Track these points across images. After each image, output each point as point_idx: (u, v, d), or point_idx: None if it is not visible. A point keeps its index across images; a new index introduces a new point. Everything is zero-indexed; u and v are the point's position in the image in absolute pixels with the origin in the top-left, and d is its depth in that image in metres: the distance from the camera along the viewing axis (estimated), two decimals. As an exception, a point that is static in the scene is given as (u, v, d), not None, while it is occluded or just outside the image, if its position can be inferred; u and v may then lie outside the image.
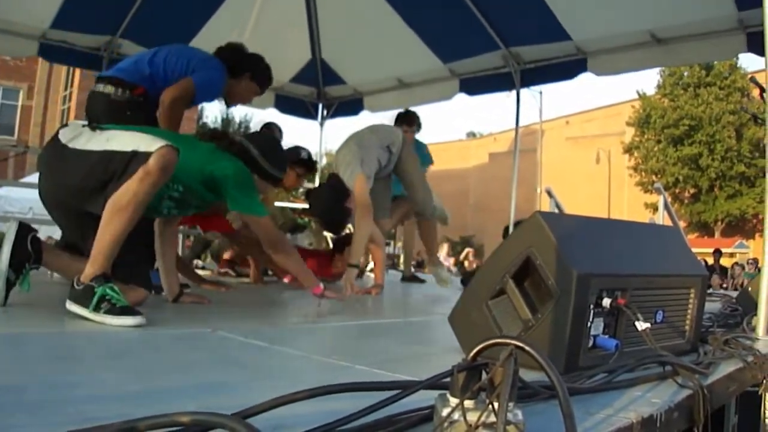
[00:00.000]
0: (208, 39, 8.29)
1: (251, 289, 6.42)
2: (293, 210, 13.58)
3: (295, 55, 11.01)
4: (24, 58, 31.19)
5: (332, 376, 1.98)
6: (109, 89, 4.98)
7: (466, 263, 21.61)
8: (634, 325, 2.33)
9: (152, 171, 3.22)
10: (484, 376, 1.33)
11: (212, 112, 62.02)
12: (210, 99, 5.47)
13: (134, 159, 3.25)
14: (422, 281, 8.65)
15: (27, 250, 3.46)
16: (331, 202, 6.49)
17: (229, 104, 5.75)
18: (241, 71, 5.44)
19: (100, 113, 4.82)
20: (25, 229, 3.50)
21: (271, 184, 4.48)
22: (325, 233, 12.58)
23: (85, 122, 3.62)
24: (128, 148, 3.30)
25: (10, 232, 3.45)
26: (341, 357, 2.57)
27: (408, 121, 8.40)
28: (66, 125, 3.67)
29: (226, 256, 8.02)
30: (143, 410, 1.26)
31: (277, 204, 11.68)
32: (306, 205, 10.14)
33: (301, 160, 7.25)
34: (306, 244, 12.88)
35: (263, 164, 4.22)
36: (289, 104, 11.41)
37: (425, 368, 1.85)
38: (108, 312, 3.09)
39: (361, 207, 6.29)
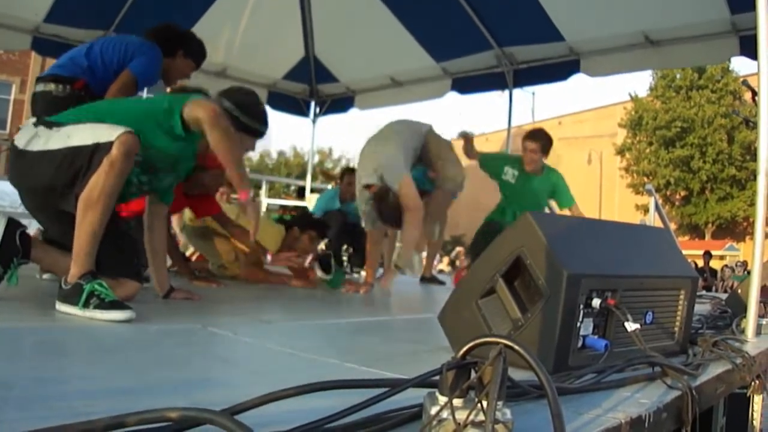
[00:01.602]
0: (201, 35, 8.27)
1: (241, 286, 6.40)
2: (285, 207, 13.66)
3: (288, 53, 11.03)
4: (17, 51, 31.26)
5: (321, 374, 1.97)
6: (50, 87, 5.04)
7: (457, 262, 21.61)
8: (624, 326, 2.33)
9: (116, 160, 3.22)
10: (473, 374, 1.33)
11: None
12: (152, 82, 5.43)
13: (97, 151, 3.24)
14: (442, 283, 8.55)
15: (15, 245, 3.46)
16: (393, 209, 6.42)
17: (168, 83, 5.76)
18: (174, 49, 5.49)
19: (44, 113, 4.85)
20: (13, 225, 3.49)
21: (252, 137, 4.40)
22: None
23: (37, 121, 3.59)
24: (89, 141, 3.28)
25: None
26: (330, 354, 2.57)
27: None
28: (19, 128, 3.66)
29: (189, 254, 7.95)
30: (132, 405, 1.26)
31: (271, 201, 11.72)
32: (300, 203, 10.15)
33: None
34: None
35: (239, 116, 4.16)
36: (281, 101, 11.42)
37: (414, 366, 1.85)
38: (97, 307, 3.10)
39: (416, 209, 6.29)
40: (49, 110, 4.80)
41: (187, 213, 7.18)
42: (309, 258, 6.71)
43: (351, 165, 7.54)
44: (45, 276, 4.78)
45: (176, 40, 5.52)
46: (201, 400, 1.59)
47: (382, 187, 6.27)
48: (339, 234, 8.99)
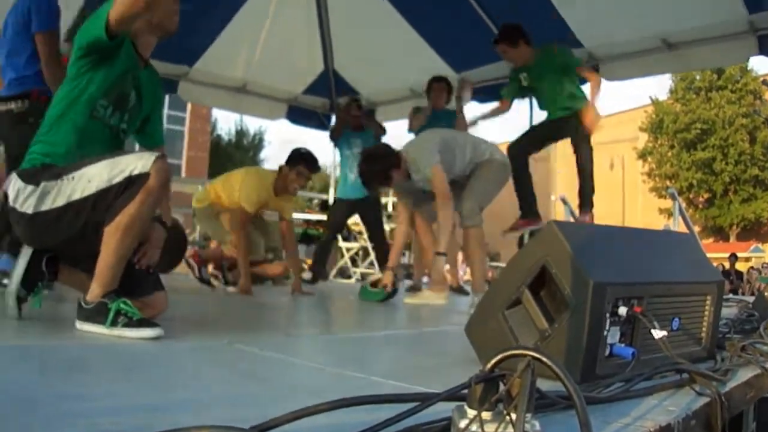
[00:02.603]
0: (220, 52, 8.34)
1: (266, 296, 6.45)
2: (309, 221, 13.67)
3: (307, 67, 11.07)
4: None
5: (348, 389, 1.98)
6: (11, 105, 5.06)
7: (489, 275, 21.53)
8: (651, 333, 2.32)
9: (154, 190, 3.20)
10: (501, 387, 1.33)
11: (226, 123, 61.82)
12: (58, 17, 5.19)
13: (131, 184, 3.20)
14: (467, 293, 8.54)
15: (41, 271, 3.47)
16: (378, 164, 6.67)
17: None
18: None
19: (11, 131, 5.01)
20: (39, 253, 3.49)
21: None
22: (341, 244, 12.57)
23: (26, 177, 3.43)
24: (120, 178, 3.21)
25: (26, 252, 3.46)
26: (357, 369, 2.57)
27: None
28: (7, 194, 3.50)
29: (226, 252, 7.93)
30: (159, 423, 1.27)
31: (295, 216, 11.70)
32: (321, 217, 10.11)
33: (301, 156, 7.32)
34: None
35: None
36: (301, 115, 11.45)
37: (442, 379, 1.85)
38: (126, 325, 3.10)
39: (444, 196, 6.50)
40: (16, 128, 4.91)
41: (196, 195, 7.29)
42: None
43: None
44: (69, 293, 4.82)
45: None
46: (229, 417, 1.59)
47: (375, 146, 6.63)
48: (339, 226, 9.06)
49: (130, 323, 3.11)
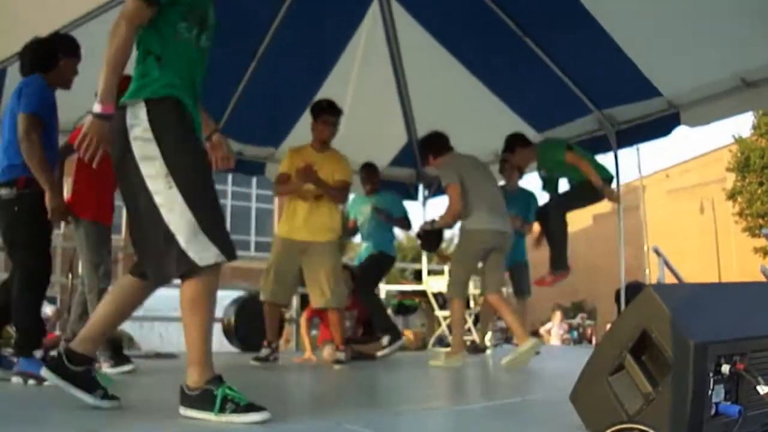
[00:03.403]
0: (304, 132, 8.50)
1: (366, 369, 6.52)
2: (404, 293, 13.69)
3: (391, 139, 11.20)
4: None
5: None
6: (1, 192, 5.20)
7: (581, 330, 21.26)
8: (756, 389, 2.33)
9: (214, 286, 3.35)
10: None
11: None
12: (50, 107, 5.33)
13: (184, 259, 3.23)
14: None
15: (70, 372, 3.44)
16: None
17: (68, 87, 5.63)
18: (54, 59, 5.44)
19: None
20: (55, 367, 3.46)
21: None
22: (437, 313, 12.58)
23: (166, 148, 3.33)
24: (183, 245, 3.24)
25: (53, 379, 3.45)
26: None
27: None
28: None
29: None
30: None
31: (389, 287, 11.80)
32: (418, 287, 10.15)
33: (319, 107, 7.76)
34: (419, 325, 12.92)
35: None
36: (389, 187, 11.55)
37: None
38: (234, 411, 3.13)
39: (451, 209, 7.61)
40: (2, 214, 5.13)
41: None
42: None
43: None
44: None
45: (48, 50, 5.46)
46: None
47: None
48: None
49: (238, 409, 3.13)
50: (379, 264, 8.70)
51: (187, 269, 3.23)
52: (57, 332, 6.35)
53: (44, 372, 3.43)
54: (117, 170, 3.41)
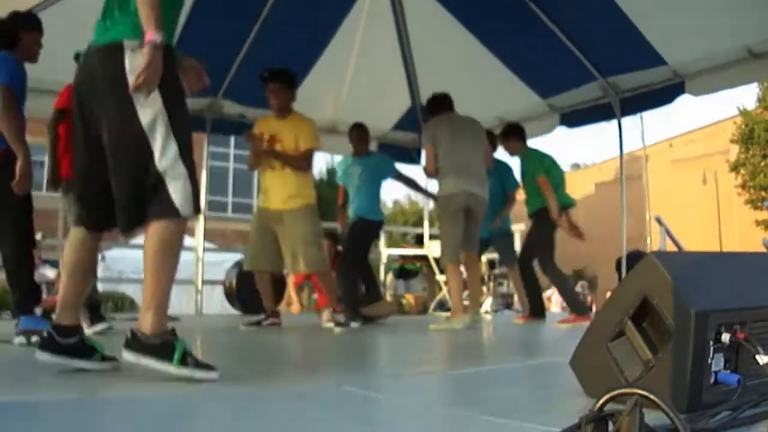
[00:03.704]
0: (307, 96, 8.48)
1: (367, 332, 6.54)
2: (405, 257, 13.71)
3: (394, 104, 11.17)
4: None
5: (458, 429, 2.02)
6: None
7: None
8: (755, 359, 2.33)
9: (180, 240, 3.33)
10: (611, 426, 1.37)
11: (317, 164, 61.98)
12: (20, 80, 5.35)
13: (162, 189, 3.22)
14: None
15: (64, 346, 3.35)
16: None
17: (35, 61, 5.65)
18: (15, 35, 5.47)
19: None
20: (48, 346, 3.36)
21: None
22: (438, 277, 12.60)
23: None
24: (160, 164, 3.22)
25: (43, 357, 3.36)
26: (464, 407, 2.61)
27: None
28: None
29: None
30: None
31: (390, 251, 11.80)
32: (419, 251, 10.15)
33: (260, 76, 7.60)
34: (420, 290, 12.94)
35: None
36: (391, 151, 11.52)
37: (549, 415, 1.90)
38: (196, 366, 3.08)
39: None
40: None
41: None
42: None
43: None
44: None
45: (8, 29, 5.50)
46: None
47: None
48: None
49: (198, 364, 3.09)
50: (359, 234, 8.62)
51: (169, 216, 3.22)
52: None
53: (39, 355, 3.32)
54: (110, 112, 3.28)
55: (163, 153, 3.21)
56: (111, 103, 3.26)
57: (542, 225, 8.49)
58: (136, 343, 3.14)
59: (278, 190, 7.41)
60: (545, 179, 8.37)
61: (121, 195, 3.32)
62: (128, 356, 3.15)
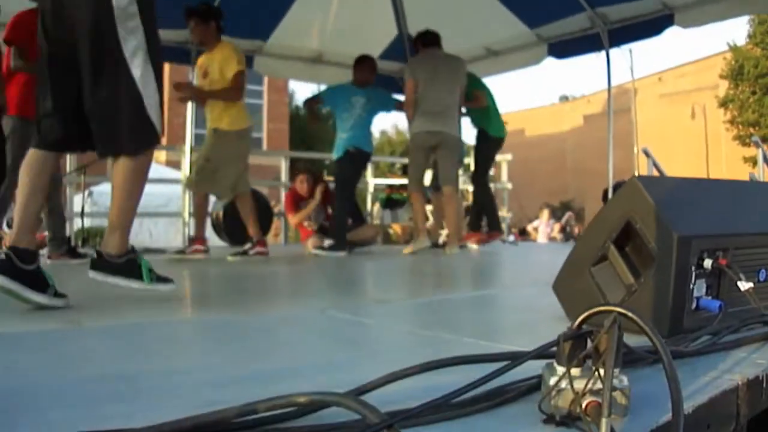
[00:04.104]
0: (294, 24, 8.39)
1: (353, 260, 6.57)
2: (392, 186, 13.72)
3: (381, 33, 11.06)
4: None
5: (440, 350, 2.01)
6: None
7: (568, 229, 21.33)
8: (737, 285, 2.32)
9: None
10: (589, 344, 1.36)
11: (303, 94, 61.89)
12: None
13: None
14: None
15: (22, 271, 3.12)
16: None
17: None
18: None
19: None
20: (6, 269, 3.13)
21: None
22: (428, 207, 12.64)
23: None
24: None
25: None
26: (447, 330, 2.61)
27: None
28: None
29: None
30: (258, 392, 1.30)
31: (377, 181, 11.81)
32: (406, 181, 10.16)
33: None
34: (407, 219, 12.99)
35: None
36: (378, 81, 11.45)
37: (530, 338, 1.88)
38: (159, 281, 3.27)
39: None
40: None
41: None
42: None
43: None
44: None
45: None
46: (325, 383, 1.63)
47: None
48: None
49: (162, 279, 3.28)
50: (356, 162, 8.63)
51: (155, 142, 3.33)
52: (45, 233, 6.43)
53: None
54: (92, 41, 3.22)
55: (145, 83, 3.24)
56: (92, 30, 3.23)
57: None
58: (103, 263, 3.27)
59: (210, 113, 7.49)
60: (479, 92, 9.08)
61: (98, 120, 3.29)
62: (95, 276, 3.28)
